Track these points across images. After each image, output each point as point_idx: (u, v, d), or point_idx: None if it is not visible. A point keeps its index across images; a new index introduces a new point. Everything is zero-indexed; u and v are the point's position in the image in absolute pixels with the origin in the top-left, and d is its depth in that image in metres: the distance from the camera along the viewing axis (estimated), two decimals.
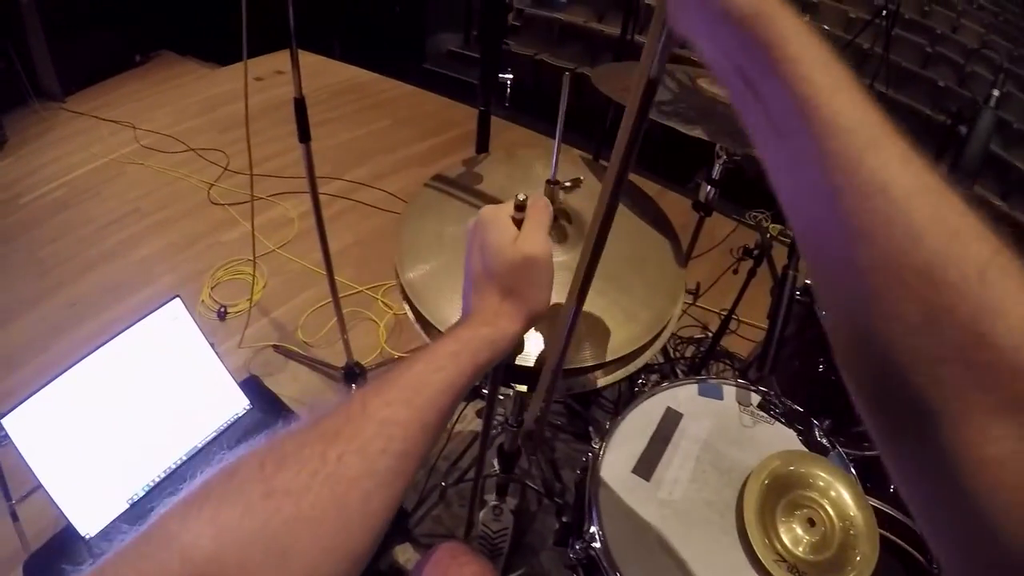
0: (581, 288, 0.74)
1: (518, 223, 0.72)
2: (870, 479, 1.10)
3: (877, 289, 0.38)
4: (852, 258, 0.39)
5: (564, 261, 0.95)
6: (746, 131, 0.47)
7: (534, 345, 0.89)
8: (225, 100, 3.84)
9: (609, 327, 0.91)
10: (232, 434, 1.51)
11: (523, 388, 0.90)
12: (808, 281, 1.41)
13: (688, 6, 0.47)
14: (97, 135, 3.51)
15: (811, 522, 1.03)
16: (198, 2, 4.26)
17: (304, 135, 1.49)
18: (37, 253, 2.73)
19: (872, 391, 0.41)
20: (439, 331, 0.92)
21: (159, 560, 0.40)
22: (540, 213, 0.72)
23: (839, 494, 1.02)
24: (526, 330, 0.71)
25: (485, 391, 0.97)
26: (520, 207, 0.72)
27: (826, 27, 3.93)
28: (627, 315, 0.93)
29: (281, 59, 3.60)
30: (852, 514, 1.00)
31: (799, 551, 0.99)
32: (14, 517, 1.38)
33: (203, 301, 2.50)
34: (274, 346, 2.32)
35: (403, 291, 0.96)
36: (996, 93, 1.91)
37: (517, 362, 0.87)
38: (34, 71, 3.65)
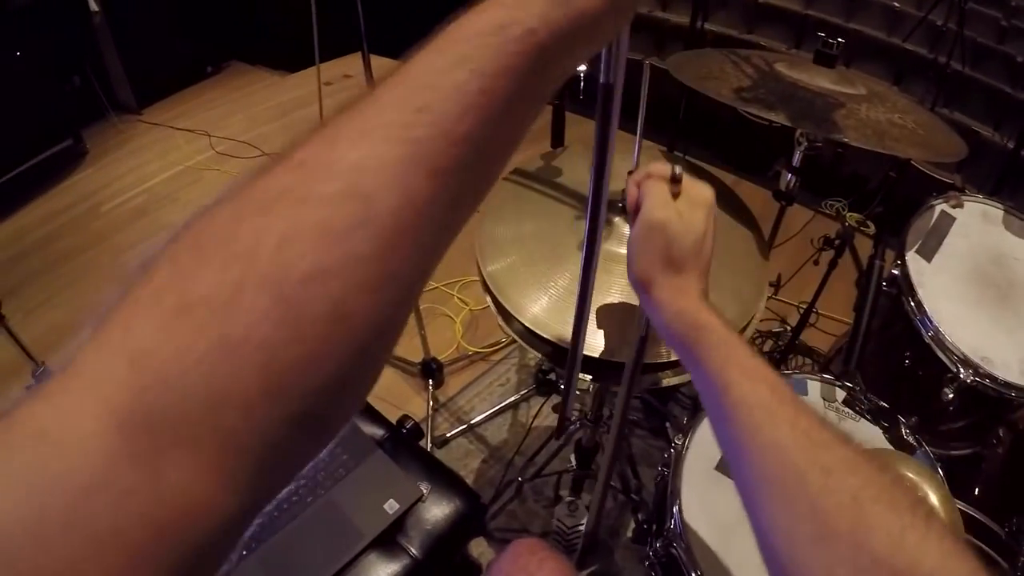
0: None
1: None
2: (955, 480, 1.05)
3: (777, 518, 0.51)
4: (757, 498, 0.53)
5: None
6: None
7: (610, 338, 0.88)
8: (296, 106, 3.91)
9: None
10: None
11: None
12: (895, 271, 1.35)
13: (650, 315, 0.71)
14: (173, 144, 3.62)
15: None
16: (265, 13, 4.36)
17: None
18: (119, 258, 2.83)
19: None
20: (520, 323, 0.92)
21: (74, 401, 0.26)
22: None
23: (926, 495, 0.97)
24: None
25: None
26: None
27: (896, 4, 3.77)
28: None
29: (348, 63, 3.67)
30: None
31: None
32: None
33: None
34: None
35: (484, 283, 0.96)
36: None
37: (596, 354, 0.87)
38: (110, 86, 3.78)
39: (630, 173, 0.94)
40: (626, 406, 0.87)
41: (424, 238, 0.31)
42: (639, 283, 0.70)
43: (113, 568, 0.24)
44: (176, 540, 0.26)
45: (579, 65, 0.38)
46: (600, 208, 0.64)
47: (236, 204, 0.30)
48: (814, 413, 0.55)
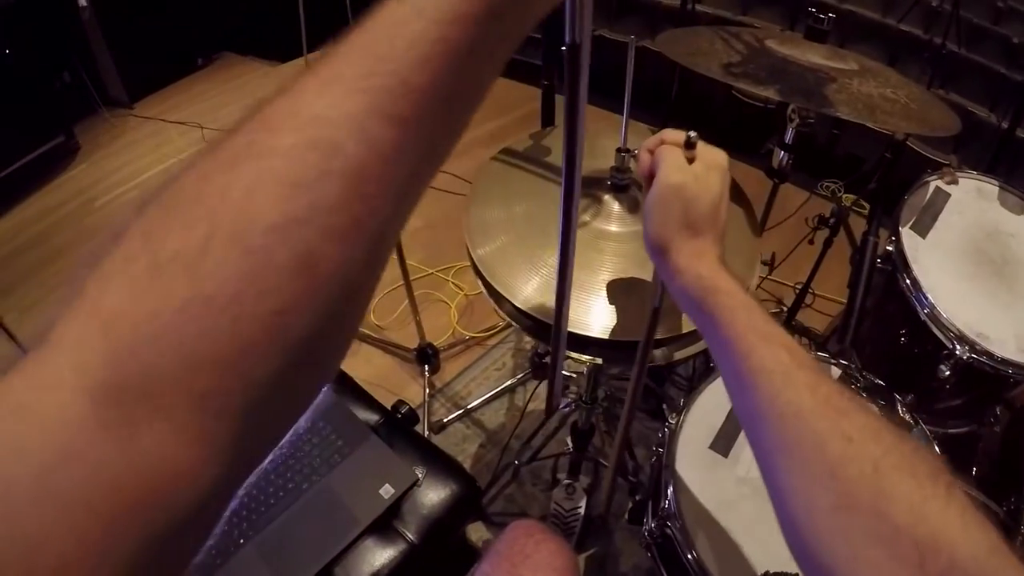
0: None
1: None
2: (953, 459, 1.05)
3: (795, 486, 0.50)
4: (777, 464, 0.52)
5: (638, 231, 0.93)
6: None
7: (600, 316, 0.87)
8: None
9: None
10: (307, 415, 1.54)
11: (599, 361, 0.89)
12: (889, 248, 1.35)
13: (666, 281, 0.71)
14: (166, 137, 3.61)
15: None
16: (255, 2, 4.32)
17: None
18: None
19: (806, 568, 0.50)
20: (512, 304, 0.92)
21: (51, 372, 0.26)
22: None
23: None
24: None
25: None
26: None
27: None
28: None
29: None
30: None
31: None
32: None
33: None
34: None
35: (475, 267, 0.95)
36: None
37: (585, 332, 0.86)
38: (101, 81, 3.75)
39: (619, 150, 0.94)
40: (639, 383, 0.87)
41: (391, 187, 0.31)
42: (656, 248, 0.70)
43: (87, 539, 0.24)
44: (154, 510, 0.26)
45: (538, 18, 0.36)
46: (575, 178, 0.60)
47: (203, 164, 0.29)
48: (834, 380, 0.55)
